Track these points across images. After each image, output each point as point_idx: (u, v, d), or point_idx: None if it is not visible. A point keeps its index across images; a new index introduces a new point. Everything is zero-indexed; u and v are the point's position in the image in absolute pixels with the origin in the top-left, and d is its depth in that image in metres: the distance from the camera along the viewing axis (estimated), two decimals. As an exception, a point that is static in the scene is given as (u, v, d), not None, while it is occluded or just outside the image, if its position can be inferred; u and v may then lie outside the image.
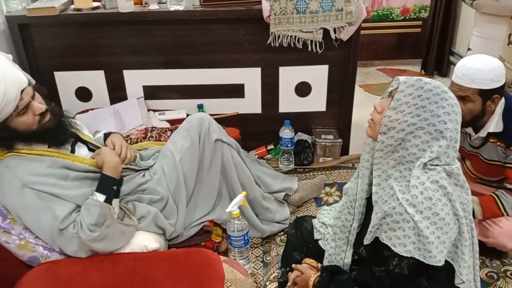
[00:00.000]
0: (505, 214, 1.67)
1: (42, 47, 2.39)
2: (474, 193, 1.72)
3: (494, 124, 1.66)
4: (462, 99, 1.61)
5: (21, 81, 1.44)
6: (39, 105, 1.48)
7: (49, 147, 1.55)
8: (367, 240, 1.27)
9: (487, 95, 1.60)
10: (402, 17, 4.14)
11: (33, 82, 1.55)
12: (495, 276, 1.76)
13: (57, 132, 1.55)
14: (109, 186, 1.54)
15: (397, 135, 1.21)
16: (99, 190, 1.52)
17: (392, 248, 1.18)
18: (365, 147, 1.36)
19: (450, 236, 1.18)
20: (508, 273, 1.77)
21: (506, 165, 1.68)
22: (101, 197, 1.50)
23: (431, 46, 3.93)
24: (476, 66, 1.58)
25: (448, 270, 1.24)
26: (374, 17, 4.12)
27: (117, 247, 1.54)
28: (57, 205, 1.45)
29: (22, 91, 1.43)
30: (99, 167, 1.58)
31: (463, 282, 1.23)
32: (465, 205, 1.26)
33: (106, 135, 1.80)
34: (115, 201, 1.55)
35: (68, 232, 1.44)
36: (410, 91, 1.20)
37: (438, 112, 1.17)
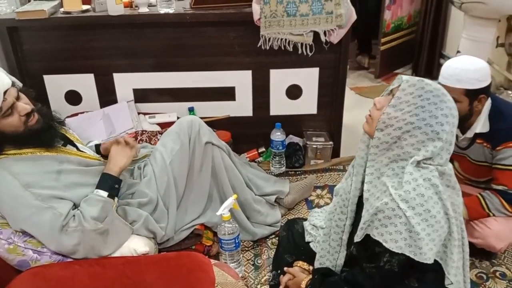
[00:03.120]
0: (490, 214, 1.68)
1: (32, 51, 2.37)
2: (462, 193, 1.74)
3: (481, 124, 1.68)
4: None
5: (3, 83, 1.43)
6: (24, 105, 1.47)
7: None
8: (357, 238, 1.27)
9: (473, 95, 1.62)
10: (408, 24, 4.02)
11: (20, 84, 1.54)
12: (485, 277, 1.77)
13: (45, 134, 1.53)
14: (112, 185, 1.59)
15: (394, 132, 1.22)
16: (101, 187, 1.55)
17: (384, 244, 1.19)
18: (361, 144, 1.36)
19: (440, 235, 1.18)
20: (497, 274, 1.79)
21: (493, 166, 1.69)
22: (103, 193, 1.54)
23: (421, 49, 3.96)
24: (462, 66, 1.60)
25: (438, 271, 1.25)
26: (392, 29, 3.86)
27: (114, 246, 1.55)
28: (57, 204, 1.46)
29: (5, 92, 1.42)
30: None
31: (452, 283, 1.24)
32: (456, 206, 1.26)
33: (98, 145, 1.84)
34: (115, 200, 1.59)
35: (69, 226, 1.45)
36: (411, 90, 1.21)
37: (436, 113, 1.19)
